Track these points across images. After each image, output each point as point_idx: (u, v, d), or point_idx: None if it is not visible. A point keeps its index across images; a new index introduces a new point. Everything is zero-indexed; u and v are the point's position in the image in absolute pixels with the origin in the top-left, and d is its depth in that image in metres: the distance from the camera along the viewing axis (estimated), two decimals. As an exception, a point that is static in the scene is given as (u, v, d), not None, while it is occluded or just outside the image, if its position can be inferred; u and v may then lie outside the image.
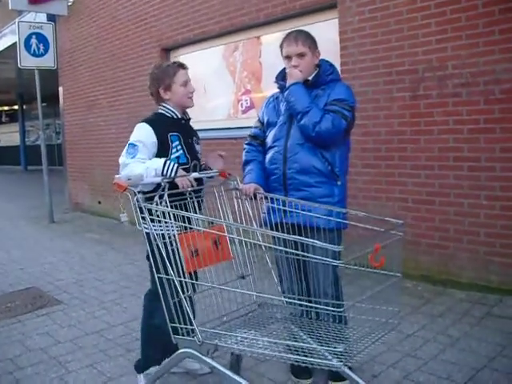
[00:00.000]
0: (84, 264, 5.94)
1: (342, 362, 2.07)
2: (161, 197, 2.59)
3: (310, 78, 2.89)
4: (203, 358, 2.35)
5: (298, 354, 2.15)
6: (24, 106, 24.50)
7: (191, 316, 2.35)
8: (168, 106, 3.00)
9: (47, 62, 8.89)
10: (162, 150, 2.87)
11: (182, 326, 2.40)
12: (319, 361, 2.09)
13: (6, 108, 27.41)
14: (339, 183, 2.85)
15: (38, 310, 4.40)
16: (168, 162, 2.76)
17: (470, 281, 4.31)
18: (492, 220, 4.19)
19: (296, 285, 2.78)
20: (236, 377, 2.30)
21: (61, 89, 10.40)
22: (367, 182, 4.99)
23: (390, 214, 4.74)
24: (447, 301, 4.15)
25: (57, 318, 4.22)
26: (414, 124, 4.61)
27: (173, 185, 2.71)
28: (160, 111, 3.04)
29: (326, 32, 5.38)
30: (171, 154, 2.88)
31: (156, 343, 2.96)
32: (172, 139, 2.90)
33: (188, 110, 3.10)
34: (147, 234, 2.51)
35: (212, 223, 2.68)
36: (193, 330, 2.37)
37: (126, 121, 8.35)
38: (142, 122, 2.97)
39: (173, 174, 2.72)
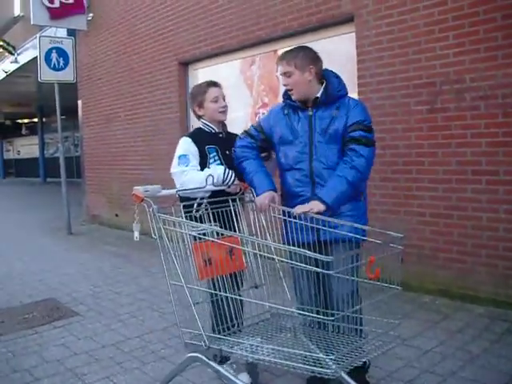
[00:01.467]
0: (101, 276, 5.97)
1: (334, 370, 2.10)
2: (199, 205, 2.80)
3: (318, 95, 2.90)
4: (209, 362, 2.46)
5: (296, 362, 2.21)
6: (43, 119, 24.86)
7: (199, 322, 2.45)
8: (205, 121, 3.28)
9: (67, 75, 9.02)
10: (202, 161, 3.12)
11: (191, 330, 2.50)
12: (312, 368, 2.14)
13: (26, 121, 27.84)
14: (362, 199, 2.96)
15: (55, 322, 4.42)
16: (227, 170, 2.99)
17: (488, 296, 4.24)
18: (511, 234, 4.14)
19: (314, 297, 2.80)
20: (239, 381, 2.39)
21: (80, 102, 10.53)
22: (385, 196, 4.96)
23: (408, 227, 4.71)
24: (466, 316, 4.09)
25: (73, 329, 4.24)
26: (432, 137, 4.59)
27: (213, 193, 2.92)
28: (200, 126, 3.32)
29: (343, 46, 5.40)
30: (209, 164, 3.12)
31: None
32: (209, 151, 3.16)
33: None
34: (161, 243, 2.61)
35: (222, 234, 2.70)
36: (201, 335, 2.45)
37: (144, 134, 8.42)
38: (184, 136, 3.26)
39: (231, 181, 2.97)
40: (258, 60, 6.58)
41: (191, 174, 3.00)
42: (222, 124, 3.32)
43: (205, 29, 7.00)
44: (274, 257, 2.55)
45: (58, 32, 9.60)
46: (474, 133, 4.32)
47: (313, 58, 2.94)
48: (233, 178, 2.99)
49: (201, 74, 7.52)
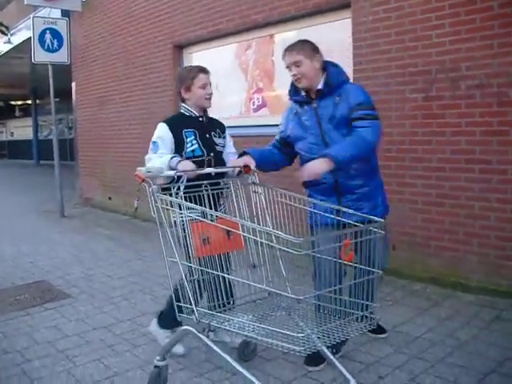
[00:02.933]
0: (93, 259, 5.97)
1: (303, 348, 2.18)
2: (178, 188, 2.86)
3: (320, 87, 3.09)
4: (199, 335, 2.58)
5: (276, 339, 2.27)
6: (37, 101, 24.71)
7: (191, 298, 2.55)
8: (187, 106, 3.34)
9: (61, 57, 8.94)
10: (178, 145, 3.20)
11: (184, 305, 2.61)
12: (283, 344, 2.21)
13: (19, 102, 27.66)
14: (377, 177, 3.40)
15: (47, 304, 4.43)
16: (171, 157, 3.01)
17: (479, 284, 4.28)
18: (503, 223, 4.16)
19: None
20: (221, 351, 2.48)
21: (74, 84, 10.45)
22: (378, 183, 4.96)
23: (400, 215, 4.73)
24: (456, 304, 4.12)
25: (65, 311, 4.24)
26: (426, 125, 4.59)
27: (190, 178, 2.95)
28: (181, 110, 3.38)
29: (339, 31, 5.37)
30: (186, 148, 3.20)
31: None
32: (186, 135, 3.23)
33: None
34: (159, 221, 2.68)
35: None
36: (193, 311, 2.56)
37: (138, 117, 8.38)
38: (161, 121, 3.32)
39: (175, 166, 2.95)
40: (254, 44, 6.53)
41: (153, 161, 3.06)
42: (204, 110, 3.37)
43: (200, 12, 6.93)
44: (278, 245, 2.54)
45: (52, 13, 9.51)
46: (468, 121, 4.32)
47: (316, 48, 3.15)
48: (175, 162, 2.96)
49: (195, 57, 7.47)
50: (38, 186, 13.92)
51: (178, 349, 3.28)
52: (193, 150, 3.20)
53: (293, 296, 2.35)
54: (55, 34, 8.82)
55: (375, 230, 2.40)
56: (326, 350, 2.57)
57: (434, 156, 4.55)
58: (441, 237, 4.55)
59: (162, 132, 3.22)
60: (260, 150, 3.32)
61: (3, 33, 14.31)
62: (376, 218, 2.44)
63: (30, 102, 25.36)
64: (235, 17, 6.41)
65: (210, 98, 3.33)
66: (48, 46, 8.76)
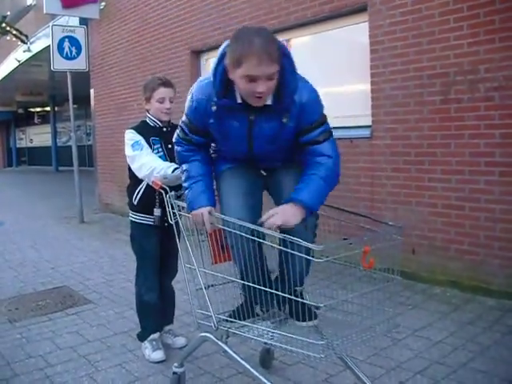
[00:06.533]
0: (113, 264, 6.02)
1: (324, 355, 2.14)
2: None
3: (269, 102, 2.28)
4: (218, 342, 2.56)
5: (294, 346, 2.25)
6: (56, 108, 24.97)
7: (209, 304, 2.54)
8: (150, 116, 3.37)
9: (79, 64, 9.04)
10: None
11: (203, 312, 2.59)
12: (303, 351, 2.20)
13: (38, 109, 27.98)
14: None
15: (68, 309, 4.48)
16: (174, 168, 2.97)
17: (500, 288, 4.23)
18: (524, 226, 4.12)
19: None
20: (240, 359, 2.47)
21: (92, 91, 10.56)
22: (396, 186, 4.95)
23: (419, 218, 4.71)
24: (477, 308, 4.08)
25: (86, 317, 4.29)
26: (445, 128, 4.56)
27: None
28: (146, 119, 3.40)
29: (356, 35, 5.37)
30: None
31: (149, 316, 3.44)
32: (153, 142, 3.28)
33: None
34: (177, 227, 2.69)
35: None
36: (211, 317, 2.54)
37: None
38: (128, 128, 3.35)
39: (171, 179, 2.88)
40: (271, 49, 6.53)
41: (146, 158, 3.12)
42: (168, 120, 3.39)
43: (217, 17, 6.97)
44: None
45: (71, 21, 9.62)
46: (487, 124, 4.28)
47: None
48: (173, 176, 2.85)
49: (213, 63, 7.50)
50: (57, 192, 14.08)
51: (157, 355, 3.36)
52: (159, 157, 3.22)
53: (312, 303, 2.33)
54: (74, 42, 8.93)
55: (394, 235, 2.35)
56: (346, 357, 2.56)
57: (453, 159, 4.51)
58: (461, 240, 4.51)
59: (136, 135, 3.25)
60: (207, 193, 2.52)
61: (23, 41, 14.54)
62: (392, 223, 2.39)
63: (48, 108, 25.65)
64: (252, 22, 6.43)
65: (168, 113, 3.33)
66: (67, 53, 8.87)
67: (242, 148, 2.44)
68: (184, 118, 2.53)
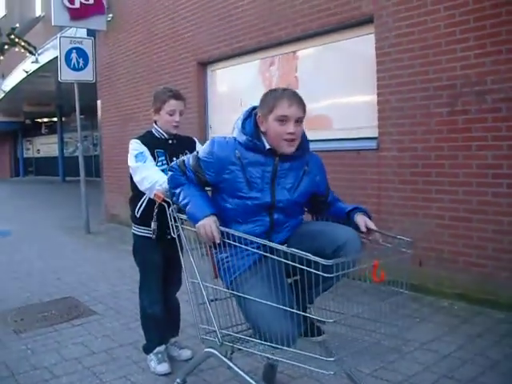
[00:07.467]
0: (119, 275, 6.01)
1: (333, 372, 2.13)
2: None
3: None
4: (222, 358, 2.51)
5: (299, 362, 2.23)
6: (63, 118, 25.11)
7: (213, 319, 2.50)
8: (156, 127, 3.34)
9: (86, 75, 9.09)
10: None
11: (207, 327, 2.54)
12: (312, 369, 2.16)
13: (45, 120, 28.15)
14: None
15: (74, 320, 4.47)
16: None
17: (509, 301, 4.18)
18: (533, 239, 4.09)
19: None
20: (245, 375, 2.43)
21: (99, 102, 10.61)
22: (403, 199, 4.93)
23: (426, 231, 4.68)
24: (485, 321, 4.04)
25: (92, 328, 4.27)
26: (452, 140, 4.54)
27: None
28: (152, 130, 3.37)
29: (363, 47, 5.38)
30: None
31: (154, 328, 3.43)
32: (158, 154, 3.25)
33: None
34: (179, 241, 2.71)
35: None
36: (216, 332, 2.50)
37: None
38: (133, 138, 3.32)
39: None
40: (277, 61, 6.57)
41: (149, 172, 3.10)
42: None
43: (224, 29, 7.01)
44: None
45: (78, 32, 9.70)
46: (494, 135, 4.27)
47: None
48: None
49: (219, 74, 7.55)
50: (63, 203, 14.11)
51: (162, 367, 3.34)
52: (162, 170, 3.16)
53: (321, 319, 2.30)
54: (81, 53, 8.98)
55: (403, 249, 2.34)
56: (353, 372, 2.53)
57: (461, 171, 4.50)
58: (469, 252, 4.48)
59: (141, 146, 3.22)
60: (208, 203, 2.54)
61: (31, 53, 14.65)
62: (402, 238, 2.37)
63: (55, 119, 25.78)
64: (259, 34, 6.46)
65: (177, 126, 3.29)
66: (74, 64, 8.92)
67: (264, 197, 2.46)
68: (192, 160, 2.56)
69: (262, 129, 2.45)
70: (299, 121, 2.42)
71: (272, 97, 2.44)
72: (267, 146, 2.45)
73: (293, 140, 2.41)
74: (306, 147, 2.57)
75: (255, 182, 2.44)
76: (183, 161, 2.61)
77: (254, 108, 2.53)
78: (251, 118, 2.50)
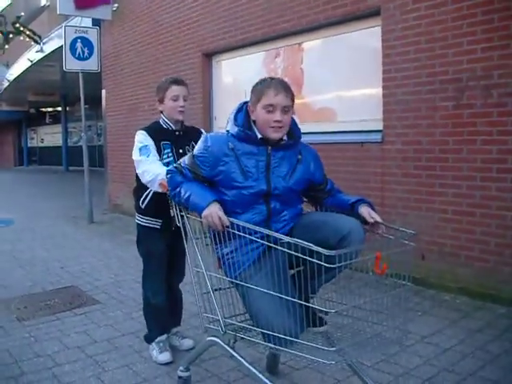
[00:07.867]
0: (122, 265, 6.03)
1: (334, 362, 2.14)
2: None
3: (284, 138, 2.57)
4: (225, 346, 2.53)
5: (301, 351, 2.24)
6: (67, 108, 25.11)
7: (217, 308, 2.52)
8: (163, 118, 3.34)
9: (91, 65, 9.09)
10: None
11: (210, 315, 2.57)
12: (313, 358, 2.18)
13: (49, 109, 28.16)
14: None
15: (77, 309, 4.49)
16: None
17: (510, 296, 4.18)
18: (536, 234, 4.08)
19: None
20: (248, 364, 2.46)
21: (104, 92, 10.61)
22: (407, 192, 4.93)
23: (429, 224, 4.68)
24: (487, 315, 4.05)
25: (94, 317, 4.29)
26: (457, 134, 4.53)
27: None
28: (159, 121, 3.37)
29: (369, 39, 5.36)
30: (162, 159, 3.22)
31: (156, 318, 3.45)
32: (164, 147, 3.25)
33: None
34: (184, 230, 2.72)
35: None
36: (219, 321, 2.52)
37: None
38: (140, 129, 3.32)
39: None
40: (283, 52, 6.55)
41: (151, 166, 3.10)
42: (181, 122, 3.35)
43: (229, 20, 6.98)
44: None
45: (83, 22, 9.67)
46: (500, 130, 4.25)
47: None
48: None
49: (224, 65, 7.53)
50: (67, 192, 14.15)
51: (164, 356, 3.36)
52: (168, 163, 3.18)
53: (323, 309, 2.31)
54: (86, 43, 8.97)
55: (405, 241, 2.34)
56: (354, 362, 2.54)
57: (465, 165, 4.49)
58: (471, 247, 4.48)
59: (146, 139, 3.22)
60: (209, 191, 2.57)
61: (36, 42, 14.66)
62: (405, 230, 2.38)
63: (59, 108, 25.79)
64: (264, 25, 6.44)
65: (182, 111, 3.28)
66: (79, 54, 8.92)
67: (260, 185, 2.49)
68: (188, 159, 2.62)
69: (253, 117, 2.54)
70: (287, 109, 2.48)
71: (260, 86, 2.52)
72: (259, 136, 2.52)
73: (280, 127, 2.48)
74: (298, 136, 2.64)
75: (250, 171, 2.49)
76: (180, 163, 2.68)
77: (246, 102, 2.62)
78: (243, 111, 2.59)
